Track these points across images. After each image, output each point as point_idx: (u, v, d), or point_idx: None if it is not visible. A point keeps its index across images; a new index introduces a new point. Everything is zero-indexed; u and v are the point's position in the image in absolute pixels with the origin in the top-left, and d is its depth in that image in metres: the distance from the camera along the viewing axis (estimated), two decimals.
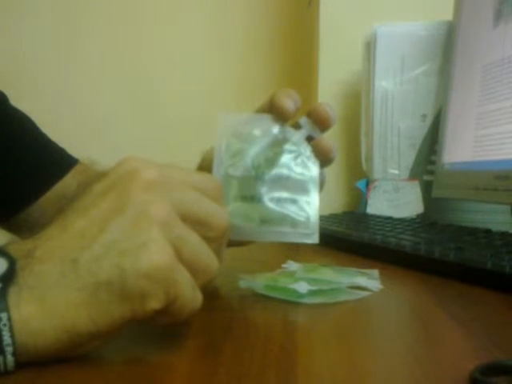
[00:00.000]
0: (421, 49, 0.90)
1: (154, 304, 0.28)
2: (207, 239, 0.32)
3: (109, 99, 1.27)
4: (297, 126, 0.44)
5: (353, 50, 1.00)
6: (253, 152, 0.42)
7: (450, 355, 0.30)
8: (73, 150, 0.74)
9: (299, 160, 0.43)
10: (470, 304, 0.41)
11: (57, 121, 1.14)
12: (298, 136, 0.43)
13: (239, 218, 0.40)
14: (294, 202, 0.42)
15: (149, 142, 1.26)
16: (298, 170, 0.42)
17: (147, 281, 0.28)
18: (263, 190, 0.41)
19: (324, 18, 1.05)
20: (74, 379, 0.27)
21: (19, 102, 0.71)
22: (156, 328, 0.33)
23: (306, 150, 0.43)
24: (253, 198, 0.41)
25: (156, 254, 0.28)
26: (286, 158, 0.43)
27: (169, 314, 0.29)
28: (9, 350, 0.26)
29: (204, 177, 0.35)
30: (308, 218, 0.42)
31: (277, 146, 0.43)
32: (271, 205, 0.41)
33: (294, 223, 0.42)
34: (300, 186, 0.42)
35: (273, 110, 0.44)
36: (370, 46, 0.94)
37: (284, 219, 0.42)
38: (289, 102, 0.43)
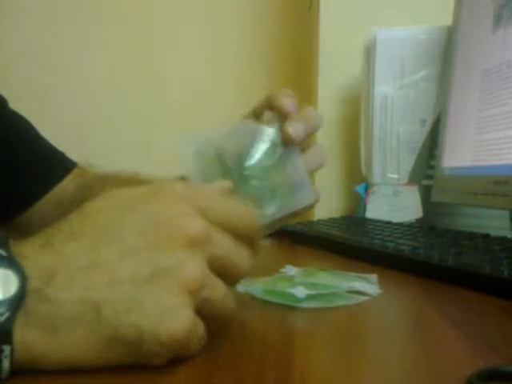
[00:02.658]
0: (420, 53, 0.91)
1: (161, 362, 0.28)
2: (227, 282, 0.32)
3: (110, 100, 1.28)
4: (267, 123, 0.43)
5: (352, 54, 1.00)
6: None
7: (447, 360, 0.30)
8: (74, 151, 0.74)
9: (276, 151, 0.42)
10: (469, 309, 0.41)
11: (59, 122, 1.15)
12: (271, 131, 0.42)
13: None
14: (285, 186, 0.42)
15: (150, 143, 1.26)
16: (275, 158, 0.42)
17: (162, 348, 0.27)
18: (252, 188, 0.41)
19: (324, 22, 1.05)
20: (72, 381, 0.27)
21: (21, 103, 0.71)
22: None
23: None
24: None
25: (176, 326, 0.27)
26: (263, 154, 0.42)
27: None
28: (4, 375, 0.26)
29: (244, 216, 0.34)
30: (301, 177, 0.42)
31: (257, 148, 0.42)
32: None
33: (290, 187, 0.41)
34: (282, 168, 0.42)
35: (272, 109, 0.43)
36: (369, 51, 0.94)
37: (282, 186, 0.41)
38: (289, 101, 0.43)
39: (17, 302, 0.26)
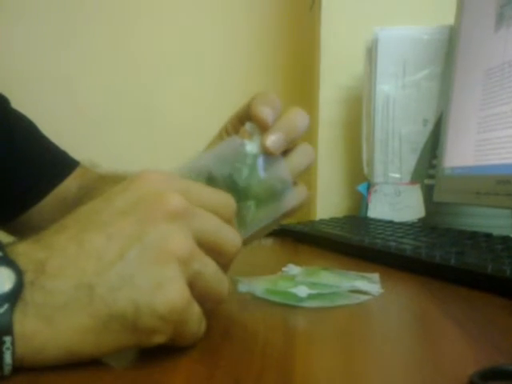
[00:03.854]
0: (422, 53, 0.90)
1: (161, 339, 0.28)
2: (218, 263, 0.32)
3: (110, 100, 1.28)
4: (249, 135, 0.42)
5: (354, 54, 1.00)
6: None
7: (449, 359, 0.30)
8: (73, 152, 0.74)
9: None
10: (471, 308, 0.41)
11: (57, 122, 1.14)
12: (252, 146, 0.41)
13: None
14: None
15: (150, 143, 1.26)
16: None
17: (160, 321, 0.28)
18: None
19: (325, 21, 1.05)
20: (72, 381, 0.27)
21: (18, 104, 0.71)
22: None
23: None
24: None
25: (172, 297, 0.28)
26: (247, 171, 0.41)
27: (170, 341, 0.29)
28: (8, 368, 0.26)
29: (221, 197, 0.34)
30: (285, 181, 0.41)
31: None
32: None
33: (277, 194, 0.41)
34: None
35: (251, 118, 0.42)
36: (371, 51, 0.94)
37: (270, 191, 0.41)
38: (267, 110, 0.41)
39: (15, 294, 0.26)
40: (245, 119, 0.44)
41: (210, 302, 0.32)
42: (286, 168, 0.42)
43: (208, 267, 0.31)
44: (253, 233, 0.41)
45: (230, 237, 0.33)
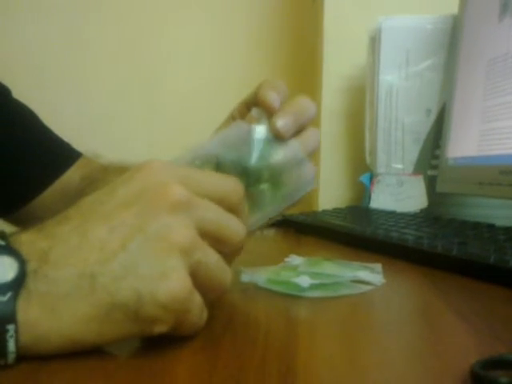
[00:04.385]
0: (426, 43, 0.90)
1: (163, 328, 0.29)
2: (222, 253, 0.32)
3: (113, 94, 1.28)
4: (256, 120, 0.42)
5: (357, 44, 0.99)
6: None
7: (451, 349, 0.30)
8: (76, 145, 0.74)
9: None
10: (473, 298, 0.41)
11: (61, 115, 1.14)
12: (261, 129, 0.41)
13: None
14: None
15: (152, 138, 1.26)
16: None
17: (162, 310, 0.28)
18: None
19: (328, 11, 1.05)
20: (75, 370, 0.27)
21: (24, 96, 0.71)
22: None
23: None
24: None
25: (175, 286, 0.28)
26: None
27: (172, 330, 0.29)
28: (12, 356, 0.26)
29: (227, 184, 0.34)
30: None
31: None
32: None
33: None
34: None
35: (258, 104, 0.42)
36: (374, 40, 0.93)
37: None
38: (273, 95, 0.41)
39: (18, 283, 0.27)
40: (252, 106, 0.45)
41: (212, 292, 0.32)
42: (299, 147, 0.42)
43: (210, 257, 0.31)
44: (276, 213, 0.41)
45: (233, 226, 0.33)
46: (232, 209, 0.33)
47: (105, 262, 0.28)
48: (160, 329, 0.28)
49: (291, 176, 0.41)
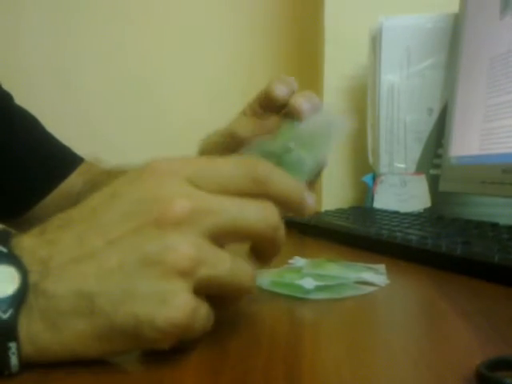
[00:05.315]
0: (427, 42, 0.90)
1: (164, 346, 0.28)
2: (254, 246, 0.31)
3: (114, 98, 1.28)
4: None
5: (358, 43, 0.99)
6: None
7: (456, 350, 0.30)
8: (77, 148, 0.74)
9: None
10: (477, 298, 0.41)
11: (59, 120, 1.14)
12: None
13: None
14: None
15: (152, 141, 1.26)
16: None
17: (161, 335, 0.27)
18: None
19: (330, 10, 1.05)
20: (81, 378, 0.27)
21: (23, 100, 0.71)
22: None
23: None
24: None
25: (174, 312, 0.27)
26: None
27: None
28: (15, 368, 0.26)
29: (245, 167, 0.31)
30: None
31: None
32: None
33: None
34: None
35: (268, 97, 0.43)
36: (375, 40, 0.93)
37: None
38: (281, 87, 0.42)
39: (19, 298, 0.26)
40: (263, 102, 0.45)
41: (231, 296, 0.31)
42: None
43: (219, 266, 0.29)
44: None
45: (259, 216, 0.30)
46: (259, 190, 0.31)
47: (103, 283, 0.27)
48: (162, 346, 0.28)
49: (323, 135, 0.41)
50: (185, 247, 0.27)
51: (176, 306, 0.27)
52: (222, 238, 0.30)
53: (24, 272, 0.27)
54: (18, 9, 1.25)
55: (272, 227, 0.31)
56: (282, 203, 0.32)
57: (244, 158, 0.32)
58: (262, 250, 0.33)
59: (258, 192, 0.31)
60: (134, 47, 1.28)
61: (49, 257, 0.27)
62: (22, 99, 0.71)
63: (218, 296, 0.30)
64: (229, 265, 0.29)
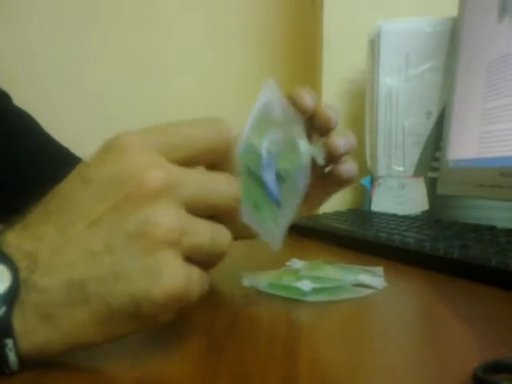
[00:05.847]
0: (425, 45, 0.90)
1: (168, 318, 0.28)
2: (221, 217, 0.31)
3: (113, 99, 1.28)
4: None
5: (357, 47, 0.99)
6: (272, 137, 0.40)
7: (454, 353, 0.30)
8: (76, 150, 0.74)
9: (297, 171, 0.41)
10: (475, 301, 0.41)
11: (62, 120, 1.14)
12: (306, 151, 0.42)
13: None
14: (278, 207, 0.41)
15: None
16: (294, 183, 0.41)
17: (161, 308, 0.27)
18: (267, 177, 0.39)
19: (328, 14, 1.05)
20: (78, 379, 0.27)
21: (24, 100, 0.71)
22: (158, 327, 0.33)
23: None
24: (256, 178, 0.39)
25: (169, 283, 0.27)
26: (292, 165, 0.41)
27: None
28: (14, 365, 0.26)
29: (210, 129, 0.31)
30: (278, 228, 0.41)
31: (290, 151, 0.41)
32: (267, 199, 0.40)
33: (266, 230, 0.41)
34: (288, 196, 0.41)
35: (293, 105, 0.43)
36: (374, 43, 0.94)
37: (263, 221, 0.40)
38: (309, 98, 0.43)
39: (12, 295, 0.26)
40: None
41: (214, 257, 0.31)
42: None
43: (201, 234, 0.29)
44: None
45: (223, 187, 0.31)
46: (223, 155, 0.32)
47: (92, 267, 0.27)
48: (165, 320, 0.28)
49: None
50: (166, 219, 0.28)
51: (169, 277, 0.27)
52: (195, 208, 0.30)
53: (14, 269, 0.26)
54: (25, 7, 1.25)
55: (236, 199, 0.32)
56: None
57: (209, 118, 0.32)
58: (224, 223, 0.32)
59: (222, 149, 0.32)
60: (134, 47, 1.28)
61: (35, 251, 0.27)
62: (23, 98, 0.71)
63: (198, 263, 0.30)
64: (210, 232, 0.30)
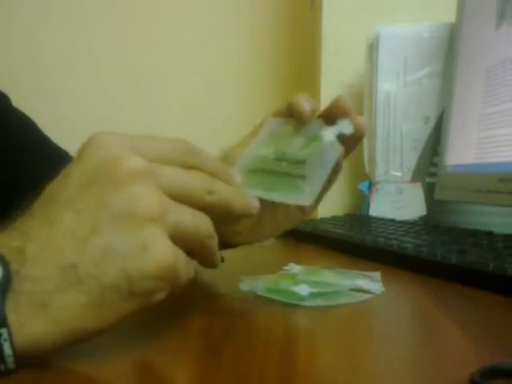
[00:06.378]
0: (423, 51, 0.90)
1: (161, 296, 0.29)
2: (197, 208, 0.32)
3: (112, 100, 1.28)
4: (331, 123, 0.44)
5: (355, 51, 1.00)
6: (281, 142, 0.43)
7: (451, 358, 0.30)
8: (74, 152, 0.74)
9: (320, 151, 0.42)
10: (472, 307, 0.41)
11: (61, 121, 1.14)
12: (329, 131, 0.44)
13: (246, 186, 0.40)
14: (302, 178, 0.42)
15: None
16: (317, 160, 0.42)
17: (154, 281, 0.28)
18: (276, 166, 0.42)
19: (326, 19, 1.05)
20: (75, 380, 0.27)
21: (25, 101, 0.71)
22: (157, 330, 0.33)
23: (332, 146, 0.43)
24: (266, 171, 0.41)
25: (158, 255, 0.28)
26: (309, 148, 0.43)
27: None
28: (10, 359, 0.26)
29: (177, 142, 0.34)
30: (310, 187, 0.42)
31: (305, 139, 0.43)
32: (278, 176, 0.41)
33: (294, 190, 0.41)
34: (313, 170, 0.42)
35: (292, 114, 0.44)
36: (372, 48, 0.94)
37: (286, 187, 0.41)
38: (307, 104, 0.44)
39: (4, 286, 0.26)
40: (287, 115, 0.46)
41: (196, 242, 0.32)
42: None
43: (184, 214, 0.31)
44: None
45: (196, 181, 0.33)
46: (191, 162, 0.34)
47: (81, 250, 0.27)
48: (159, 297, 0.29)
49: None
50: (149, 195, 0.29)
51: (159, 249, 0.28)
52: (173, 196, 0.31)
53: (4, 262, 0.27)
54: (24, 7, 1.25)
55: (209, 191, 0.33)
56: (211, 174, 0.35)
57: (172, 138, 0.34)
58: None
59: (188, 161, 0.34)
60: (134, 48, 1.28)
61: (23, 245, 0.28)
62: (23, 100, 0.71)
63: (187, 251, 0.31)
64: (191, 213, 0.31)
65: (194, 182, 0.33)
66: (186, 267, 0.30)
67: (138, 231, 0.28)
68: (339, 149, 0.43)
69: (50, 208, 0.29)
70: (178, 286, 0.30)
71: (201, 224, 0.32)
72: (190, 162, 0.34)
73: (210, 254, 0.35)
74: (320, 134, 0.43)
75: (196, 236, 0.32)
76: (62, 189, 0.30)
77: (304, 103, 0.44)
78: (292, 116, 0.44)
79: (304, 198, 0.41)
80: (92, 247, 0.27)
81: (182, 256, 0.30)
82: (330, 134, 0.43)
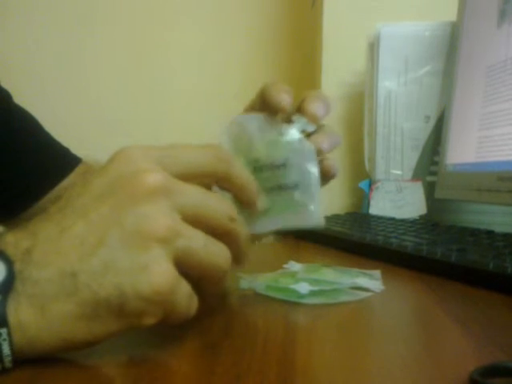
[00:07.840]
0: (424, 49, 0.90)
1: (151, 321, 0.28)
2: (216, 236, 0.32)
3: (115, 99, 1.28)
4: (290, 122, 0.42)
5: (356, 50, 1.00)
6: (248, 149, 0.41)
7: (450, 357, 0.30)
8: (78, 150, 0.74)
9: (294, 149, 0.41)
10: (472, 305, 0.41)
11: (63, 120, 1.14)
12: (292, 130, 0.42)
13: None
14: (295, 187, 0.41)
15: (154, 142, 1.26)
16: (296, 159, 0.41)
17: (146, 303, 0.28)
18: (262, 180, 0.40)
19: (327, 18, 1.05)
20: (73, 379, 0.27)
21: (26, 100, 0.71)
22: (155, 327, 0.33)
23: (302, 142, 0.42)
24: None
25: (156, 278, 0.27)
26: (282, 149, 0.41)
27: (162, 322, 0.29)
28: (8, 359, 0.26)
29: (208, 153, 0.33)
30: (312, 200, 0.41)
31: (272, 141, 0.42)
32: (272, 194, 0.41)
33: (296, 208, 0.41)
34: (298, 172, 0.41)
35: (268, 106, 0.42)
36: (373, 47, 0.94)
37: (286, 205, 0.41)
38: (285, 96, 0.41)
39: (7, 285, 0.26)
40: (258, 109, 0.44)
41: (207, 277, 0.31)
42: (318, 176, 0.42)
43: (196, 241, 0.30)
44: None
45: (218, 206, 0.32)
46: (221, 178, 0.34)
47: (85, 259, 0.27)
48: (148, 321, 0.28)
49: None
50: (161, 216, 0.29)
51: (157, 272, 0.28)
52: (189, 218, 0.30)
53: (9, 262, 0.27)
54: (26, 7, 1.25)
55: (231, 218, 0.33)
56: (238, 188, 0.35)
57: (207, 147, 0.34)
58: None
59: (220, 170, 0.34)
60: (134, 48, 1.28)
61: (31, 246, 0.28)
62: (23, 99, 0.71)
63: (195, 280, 0.31)
64: (203, 240, 0.31)
65: (215, 204, 0.32)
66: (187, 299, 0.29)
67: (143, 251, 0.28)
68: (311, 146, 0.42)
69: (64, 214, 0.29)
70: (173, 317, 0.29)
71: (213, 252, 0.31)
72: (220, 168, 0.33)
73: (216, 289, 0.33)
74: (285, 132, 0.42)
75: (205, 265, 0.31)
76: (79, 196, 0.30)
77: (281, 95, 0.42)
78: (267, 109, 0.42)
79: (310, 217, 0.41)
80: (96, 259, 0.27)
81: (183, 285, 0.29)
82: (295, 132, 0.42)
